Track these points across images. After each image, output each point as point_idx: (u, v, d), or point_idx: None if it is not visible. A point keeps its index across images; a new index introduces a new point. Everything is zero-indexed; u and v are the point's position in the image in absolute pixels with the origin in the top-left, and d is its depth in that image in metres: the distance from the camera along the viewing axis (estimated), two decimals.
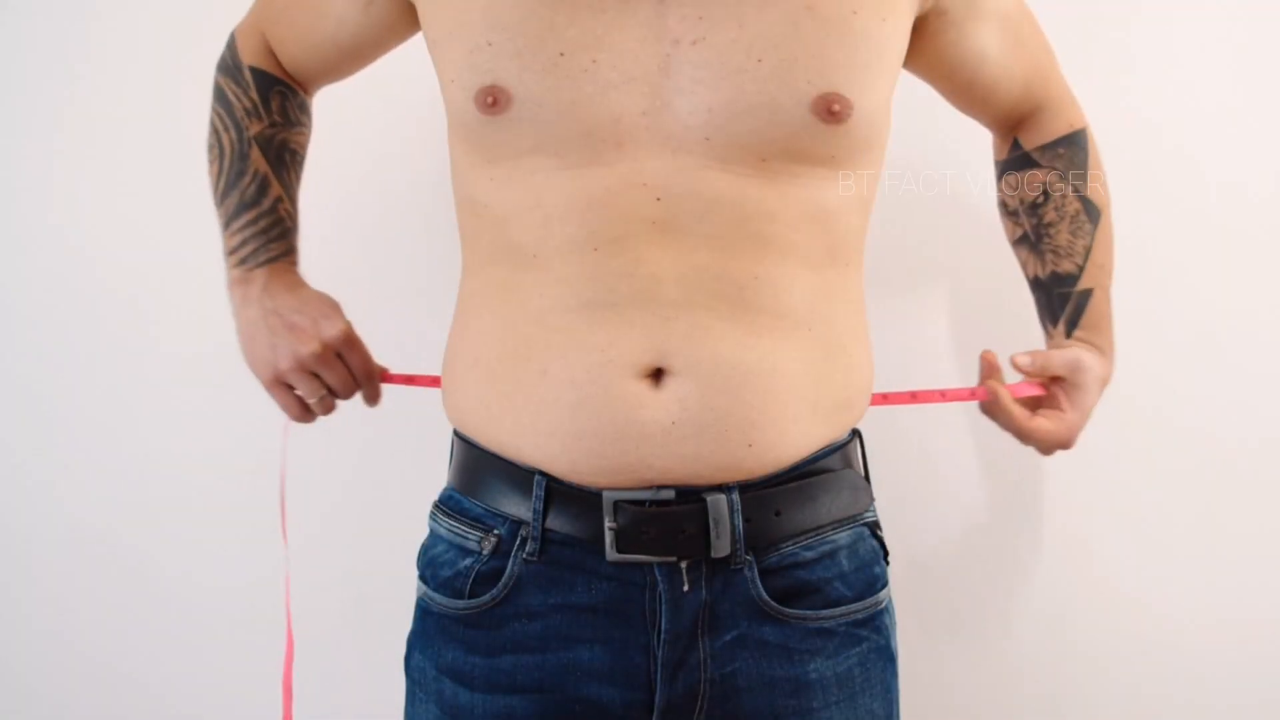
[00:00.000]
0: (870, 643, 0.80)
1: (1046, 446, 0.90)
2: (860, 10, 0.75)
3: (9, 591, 1.32)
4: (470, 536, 0.80)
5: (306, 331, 0.84)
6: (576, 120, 0.72)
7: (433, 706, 0.80)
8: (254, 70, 0.92)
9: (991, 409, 0.90)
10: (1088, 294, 0.92)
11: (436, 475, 0.88)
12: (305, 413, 0.89)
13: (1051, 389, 0.90)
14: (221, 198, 0.90)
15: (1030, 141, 0.95)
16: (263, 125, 0.91)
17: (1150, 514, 1.27)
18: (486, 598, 0.78)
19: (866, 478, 0.85)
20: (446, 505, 0.83)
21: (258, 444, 1.28)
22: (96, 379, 1.29)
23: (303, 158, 0.96)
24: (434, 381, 0.89)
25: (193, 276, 1.26)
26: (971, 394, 0.90)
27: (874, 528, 0.84)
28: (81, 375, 1.29)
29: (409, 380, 0.92)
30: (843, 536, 0.80)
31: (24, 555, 1.31)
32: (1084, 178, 0.93)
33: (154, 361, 1.29)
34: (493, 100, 0.73)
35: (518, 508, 0.77)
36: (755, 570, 0.76)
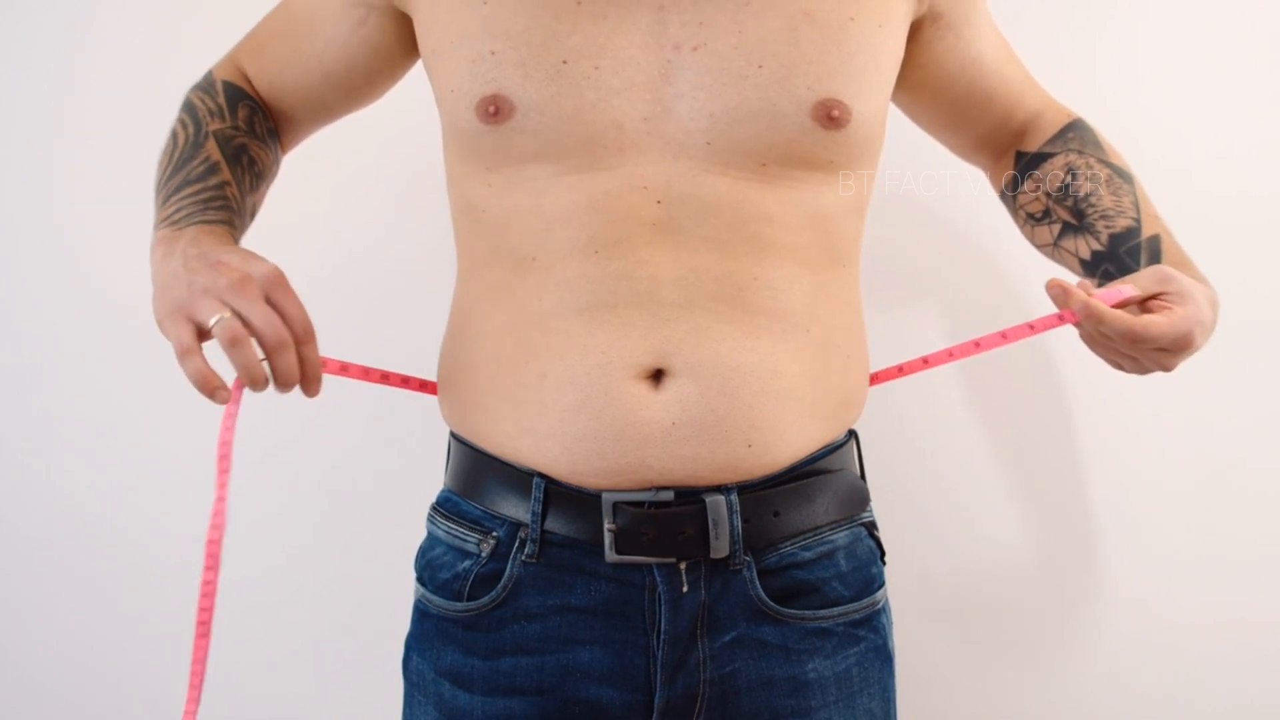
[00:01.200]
0: (868, 642, 0.80)
1: (1167, 348, 0.74)
2: (857, 16, 0.75)
3: (12, 587, 1.32)
4: (469, 539, 0.80)
5: (229, 265, 0.69)
6: (579, 127, 0.73)
7: (431, 709, 0.80)
8: (226, 83, 0.88)
9: (1091, 327, 0.75)
10: (1156, 239, 0.85)
11: (434, 477, 0.88)
12: (198, 354, 0.68)
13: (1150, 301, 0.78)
14: (164, 182, 0.81)
15: (1034, 144, 0.93)
16: (224, 125, 0.85)
17: (1150, 515, 1.27)
18: (485, 600, 0.78)
19: (863, 478, 0.85)
20: (444, 507, 0.83)
21: (259, 442, 1.28)
22: (98, 375, 1.28)
23: (260, 172, 0.86)
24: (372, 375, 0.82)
25: None
26: (1060, 319, 0.78)
27: (871, 528, 0.84)
28: (84, 371, 1.29)
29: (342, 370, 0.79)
30: (840, 537, 0.80)
31: (27, 551, 1.31)
32: (1102, 150, 0.90)
33: (156, 358, 1.28)
34: (495, 110, 0.73)
35: (516, 510, 0.77)
36: (754, 571, 0.76)
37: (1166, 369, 0.78)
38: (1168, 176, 1.23)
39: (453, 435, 0.84)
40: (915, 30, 0.83)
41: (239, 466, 1.27)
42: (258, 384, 0.69)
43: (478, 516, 0.80)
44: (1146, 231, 0.85)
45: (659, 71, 0.73)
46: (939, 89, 0.89)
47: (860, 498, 0.83)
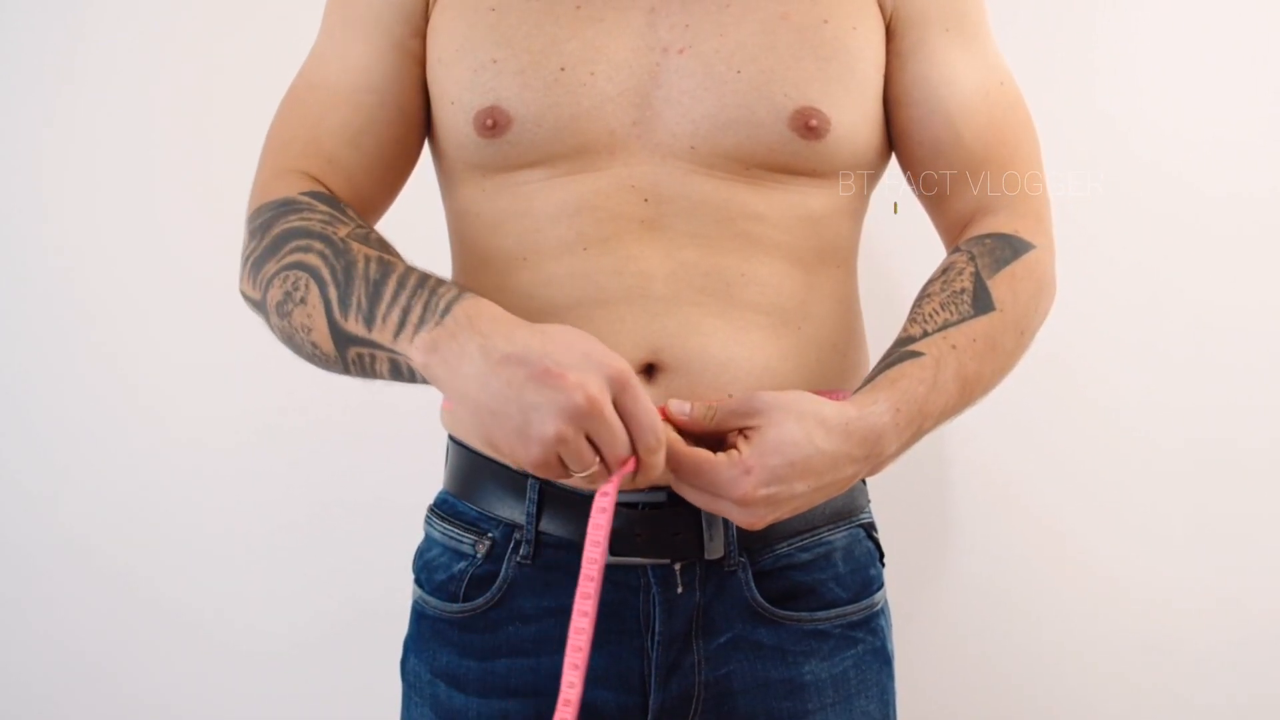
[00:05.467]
0: (866, 644, 0.80)
1: (713, 486, 0.63)
2: (830, 19, 0.75)
3: (9, 603, 1.32)
4: (464, 540, 0.80)
5: (567, 377, 0.58)
6: (574, 135, 0.73)
7: (427, 710, 0.80)
8: (309, 194, 0.73)
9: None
10: (912, 355, 0.69)
11: (432, 478, 0.88)
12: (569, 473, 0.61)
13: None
14: (343, 310, 0.65)
15: (964, 236, 0.79)
16: (350, 227, 0.70)
17: (1143, 512, 1.27)
18: (480, 601, 0.78)
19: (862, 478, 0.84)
20: (441, 509, 0.83)
21: (259, 446, 1.29)
22: (94, 389, 1.29)
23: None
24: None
25: (197, 284, 1.26)
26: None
27: (869, 529, 0.84)
28: (78, 385, 1.29)
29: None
30: (838, 538, 0.80)
31: (12, 557, 1.31)
32: (996, 269, 0.74)
33: (151, 372, 1.29)
34: (492, 123, 0.73)
35: (511, 511, 0.77)
36: (749, 572, 0.76)
37: (743, 521, 0.64)
38: (1160, 174, 1.24)
39: (450, 437, 0.84)
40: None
41: (236, 469, 1.28)
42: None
43: (474, 518, 0.80)
44: (916, 347, 0.70)
45: (648, 74, 0.74)
46: (904, 109, 0.80)
47: (858, 498, 0.82)
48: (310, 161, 0.77)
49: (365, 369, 0.67)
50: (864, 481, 0.84)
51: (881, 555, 0.84)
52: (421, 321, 0.62)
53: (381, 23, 0.78)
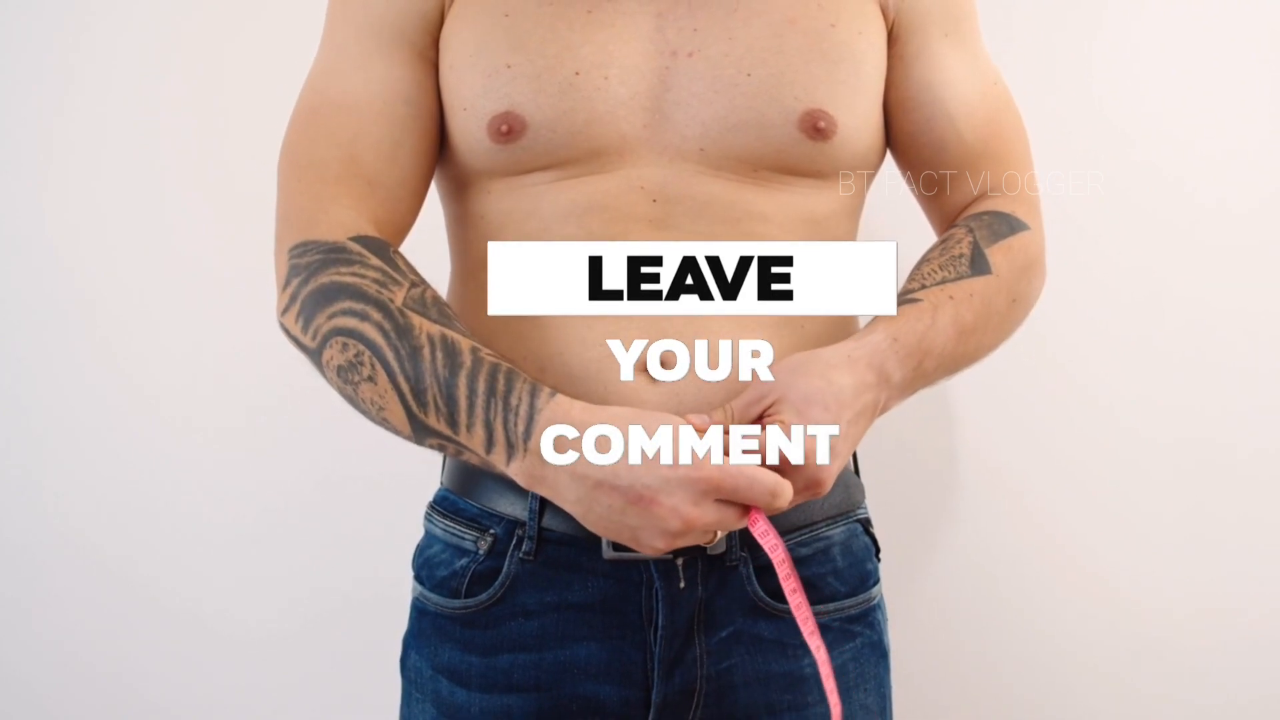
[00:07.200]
0: (863, 638, 0.81)
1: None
2: (837, 23, 0.76)
3: (8, 601, 1.32)
4: (466, 537, 0.80)
5: (660, 504, 0.63)
6: (587, 139, 0.74)
7: (429, 706, 0.80)
8: (360, 240, 0.72)
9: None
10: (909, 301, 0.73)
11: (428, 468, 0.89)
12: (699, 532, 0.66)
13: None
14: (421, 407, 0.67)
15: (962, 217, 0.83)
16: (405, 289, 0.70)
17: (1140, 512, 1.28)
18: (483, 597, 0.78)
19: (858, 474, 0.86)
20: (442, 506, 0.84)
21: (256, 442, 1.29)
22: (91, 386, 1.29)
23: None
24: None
25: (192, 276, 1.26)
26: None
27: (866, 524, 0.85)
28: (76, 382, 1.29)
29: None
30: (836, 533, 0.81)
31: (13, 556, 1.31)
32: (993, 240, 0.78)
33: (148, 368, 1.29)
34: (507, 129, 0.74)
35: (513, 507, 0.78)
36: (750, 567, 0.76)
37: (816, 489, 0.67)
38: (1160, 175, 1.25)
39: None
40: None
41: (231, 460, 1.28)
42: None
43: (475, 515, 0.80)
44: (916, 295, 0.74)
45: (658, 78, 0.75)
46: (903, 115, 0.83)
47: (855, 494, 0.83)
48: (351, 186, 0.75)
49: (449, 453, 0.70)
50: (859, 477, 0.86)
51: (878, 550, 0.85)
52: (510, 446, 0.66)
53: (402, 32, 0.77)
